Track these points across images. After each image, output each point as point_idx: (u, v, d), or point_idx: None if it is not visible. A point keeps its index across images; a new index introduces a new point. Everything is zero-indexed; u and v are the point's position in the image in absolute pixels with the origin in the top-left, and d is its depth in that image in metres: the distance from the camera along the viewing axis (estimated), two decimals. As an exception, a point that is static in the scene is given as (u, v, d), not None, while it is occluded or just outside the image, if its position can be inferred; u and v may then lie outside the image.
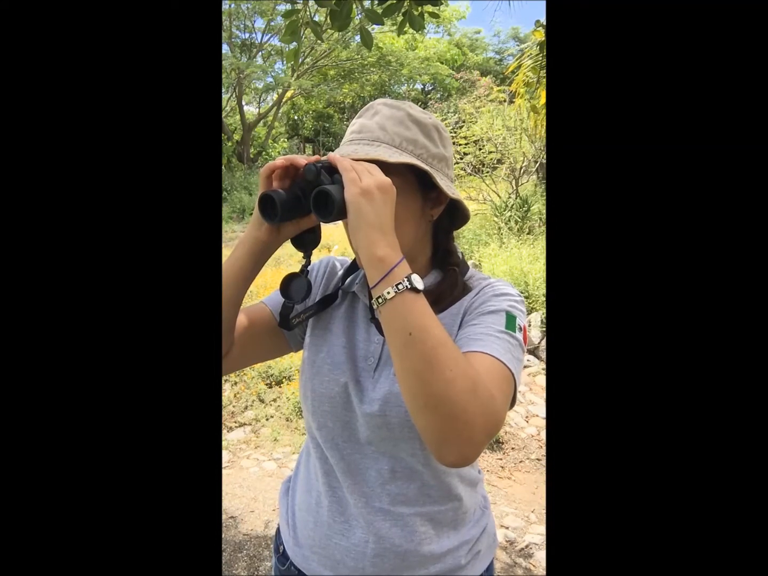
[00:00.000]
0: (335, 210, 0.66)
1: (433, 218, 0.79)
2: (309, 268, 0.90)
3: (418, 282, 0.62)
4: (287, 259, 6.60)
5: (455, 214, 0.82)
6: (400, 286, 0.61)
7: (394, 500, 0.76)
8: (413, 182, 0.75)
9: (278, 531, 0.92)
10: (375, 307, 0.64)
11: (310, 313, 0.84)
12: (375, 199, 0.64)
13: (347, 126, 0.79)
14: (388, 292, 0.62)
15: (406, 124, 0.75)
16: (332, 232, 7.50)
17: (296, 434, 3.14)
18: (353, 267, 0.88)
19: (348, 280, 0.87)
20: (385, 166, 0.69)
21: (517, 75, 5.69)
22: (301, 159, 0.70)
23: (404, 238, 0.73)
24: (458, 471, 0.81)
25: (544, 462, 2.88)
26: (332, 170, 0.68)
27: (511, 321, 0.72)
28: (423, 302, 0.63)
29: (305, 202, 0.69)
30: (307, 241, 0.78)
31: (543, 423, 3.27)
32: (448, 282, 0.79)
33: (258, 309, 0.85)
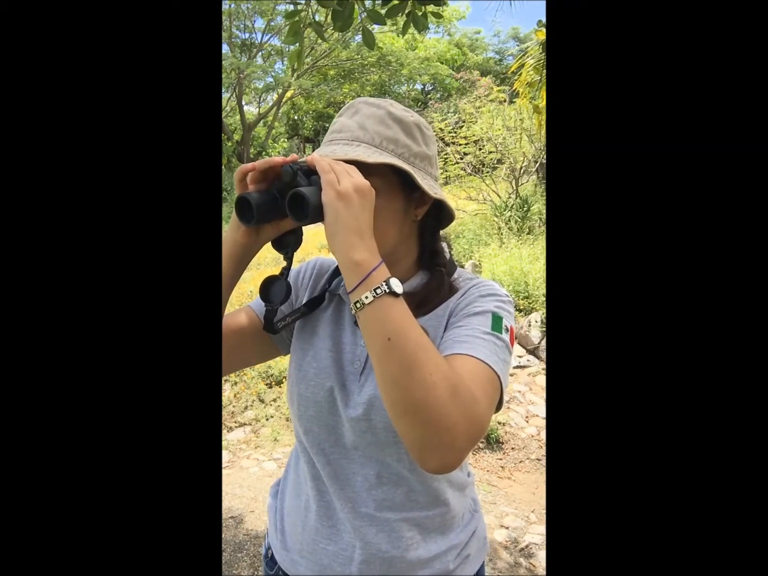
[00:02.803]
0: (310, 212, 0.64)
1: (417, 218, 0.77)
2: (297, 269, 0.90)
3: (397, 286, 0.61)
4: (287, 259, 6.56)
5: (440, 213, 0.80)
6: (378, 291, 0.60)
7: (380, 505, 0.76)
8: (395, 182, 0.73)
9: (267, 534, 0.91)
10: (353, 312, 0.63)
11: (296, 316, 0.82)
12: (353, 202, 0.62)
13: (327, 133, 0.77)
14: (366, 297, 0.61)
15: (387, 123, 0.73)
16: (332, 232, 7.45)
17: (296, 434, 3.14)
18: (340, 270, 0.87)
19: (335, 282, 0.86)
20: (365, 167, 0.67)
21: (520, 75, 5.69)
22: (279, 159, 0.68)
23: (387, 239, 0.73)
24: (446, 475, 0.79)
25: (544, 462, 2.88)
26: (310, 171, 0.67)
27: (497, 322, 0.71)
28: (402, 306, 0.62)
29: (282, 203, 0.67)
30: (287, 243, 0.76)
31: (543, 423, 3.27)
32: (434, 283, 0.78)
33: (244, 312, 0.84)
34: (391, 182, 0.73)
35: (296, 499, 0.84)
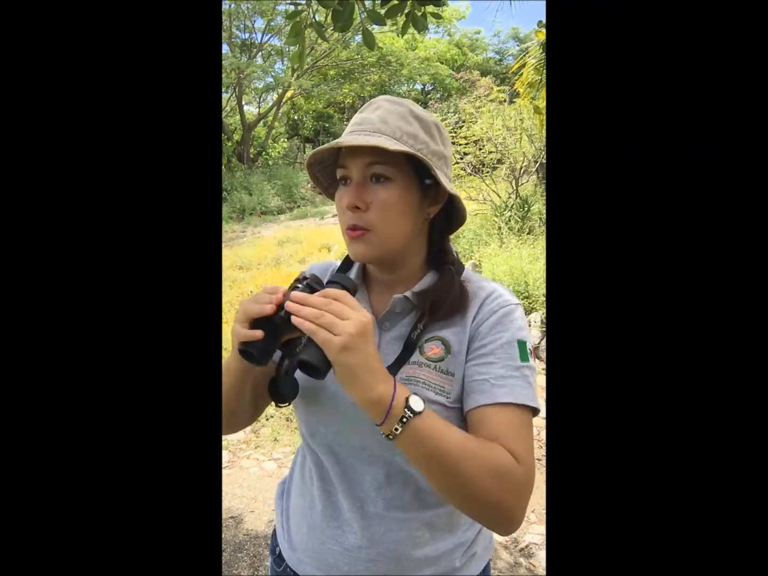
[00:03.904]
0: (324, 370, 0.63)
1: (429, 216, 0.78)
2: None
3: (418, 404, 0.63)
4: (287, 259, 6.58)
5: (452, 214, 0.81)
6: (404, 420, 0.62)
7: (389, 505, 0.76)
8: (413, 176, 0.75)
9: (274, 532, 0.92)
10: (389, 440, 0.64)
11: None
12: (356, 348, 0.60)
13: (347, 126, 0.78)
14: (396, 429, 0.63)
15: (408, 119, 0.75)
16: (332, 232, 7.47)
17: (296, 434, 3.14)
18: (342, 269, 0.87)
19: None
20: (385, 156, 0.69)
21: (521, 75, 5.69)
22: (268, 309, 0.65)
23: (401, 232, 0.75)
24: None
25: (544, 462, 2.88)
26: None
27: (523, 349, 0.74)
28: (430, 421, 0.64)
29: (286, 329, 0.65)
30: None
31: (543, 423, 3.27)
32: (444, 282, 0.78)
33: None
34: (410, 175, 0.74)
35: (301, 498, 0.84)
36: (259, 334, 0.65)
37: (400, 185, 0.73)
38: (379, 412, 0.63)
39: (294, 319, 0.62)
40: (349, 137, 0.73)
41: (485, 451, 0.66)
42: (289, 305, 0.63)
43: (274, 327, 0.66)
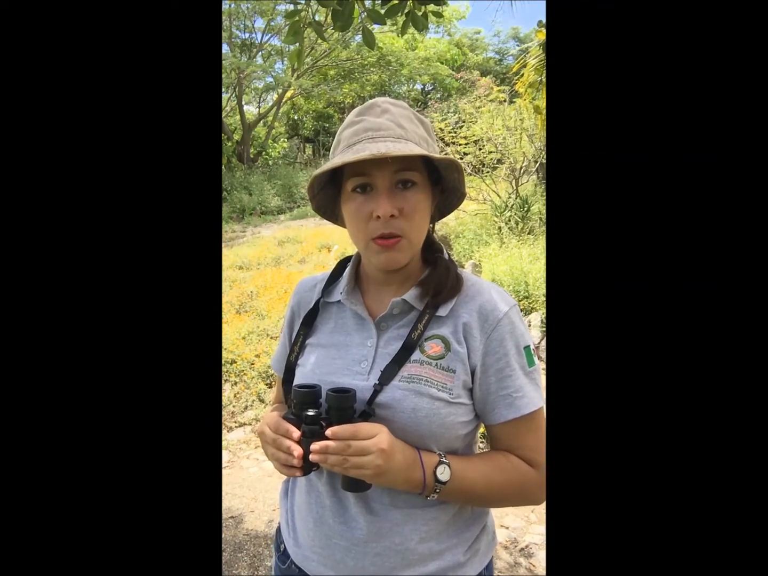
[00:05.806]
0: (369, 485, 0.72)
1: (432, 212, 0.82)
2: (286, 311, 0.93)
3: (445, 474, 0.72)
4: (287, 259, 6.58)
5: (440, 208, 0.85)
6: (438, 490, 0.73)
7: (395, 500, 0.77)
8: (427, 178, 0.77)
9: (278, 530, 0.92)
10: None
11: (301, 340, 0.85)
12: (386, 470, 0.68)
13: (351, 133, 0.77)
14: (432, 496, 0.73)
15: (415, 122, 0.78)
16: (332, 232, 7.48)
17: (296, 434, 3.13)
18: (333, 277, 0.88)
19: (331, 289, 0.87)
20: (410, 162, 0.72)
21: (521, 76, 5.69)
22: (299, 471, 0.72)
23: (424, 232, 0.79)
24: None
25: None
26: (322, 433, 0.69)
27: (529, 354, 0.79)
28: (459, 476, 0.73)
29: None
30: None
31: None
32: (441, 269, 0.81)
33: (279, 389, 0.92)
34: (426, 177, 0.77)
35: (307, 495, 0.84)
36: (298, 474, 0.73)
37: (421, 188, 0.76)
38: (414, 491, 0.73)
39: (324, 466, 0.69)
40: (374, 145, 0.71)
41: (507, 476, 0.77)
42: (314, 458, 0.69)
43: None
